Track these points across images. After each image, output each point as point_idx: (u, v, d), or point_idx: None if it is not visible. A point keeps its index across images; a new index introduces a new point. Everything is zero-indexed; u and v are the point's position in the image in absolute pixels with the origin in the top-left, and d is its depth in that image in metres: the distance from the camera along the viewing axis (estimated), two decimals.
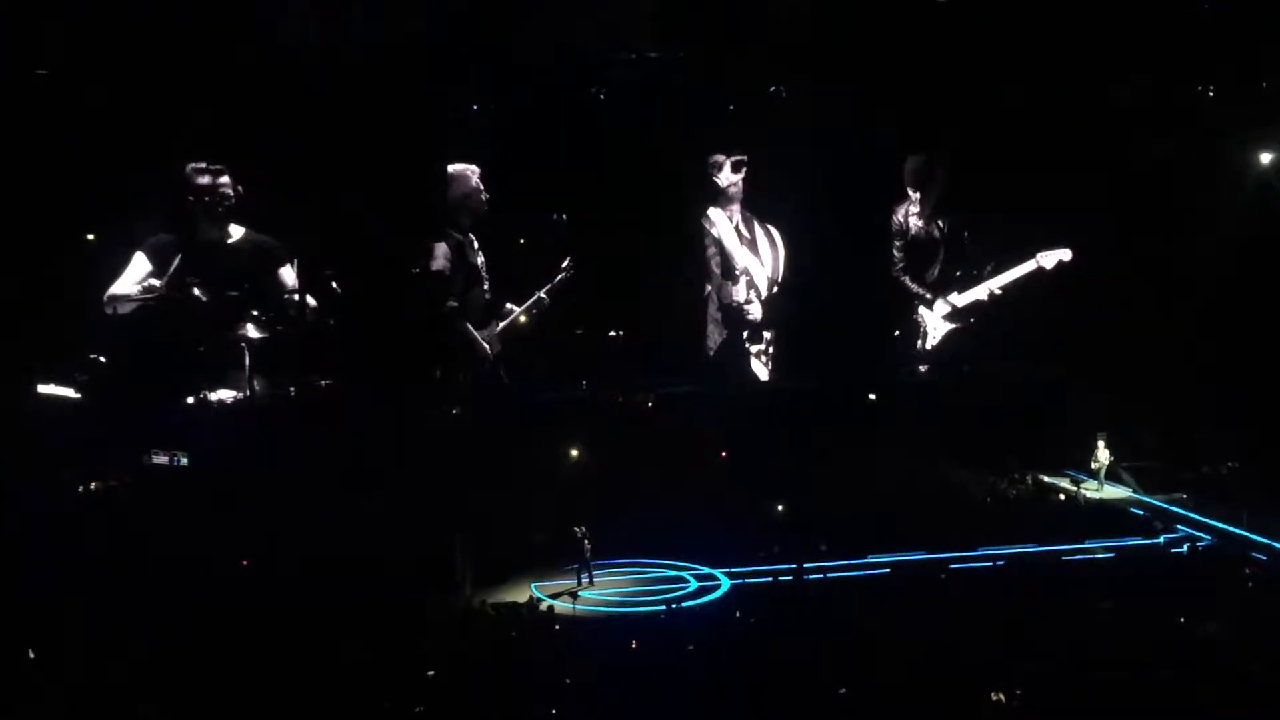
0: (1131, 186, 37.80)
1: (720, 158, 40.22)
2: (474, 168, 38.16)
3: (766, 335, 41.01)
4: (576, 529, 29.26)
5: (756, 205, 40.73)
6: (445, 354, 38.47)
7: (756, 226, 40.88)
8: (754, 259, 40.85)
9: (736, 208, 40.73)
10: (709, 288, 40.90)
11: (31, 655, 22.78)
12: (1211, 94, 38.05)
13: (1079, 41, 36.74)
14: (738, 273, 40.76)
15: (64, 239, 35.32)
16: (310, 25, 36.36)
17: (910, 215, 41.54)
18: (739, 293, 40.78)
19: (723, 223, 40.69)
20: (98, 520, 31.37)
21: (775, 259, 40.96)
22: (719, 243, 40.70)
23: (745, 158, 40.16)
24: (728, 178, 40.37)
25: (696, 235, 40.67)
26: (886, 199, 41.28)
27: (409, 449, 34.58)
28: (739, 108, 39.64)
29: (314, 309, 37.05)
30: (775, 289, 40.88)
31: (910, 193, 41.38)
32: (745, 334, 40.96)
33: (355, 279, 37.57)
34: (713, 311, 40.96)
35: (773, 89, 39.80)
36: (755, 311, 40.90)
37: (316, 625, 24.67)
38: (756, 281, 40.86)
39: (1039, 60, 37.37)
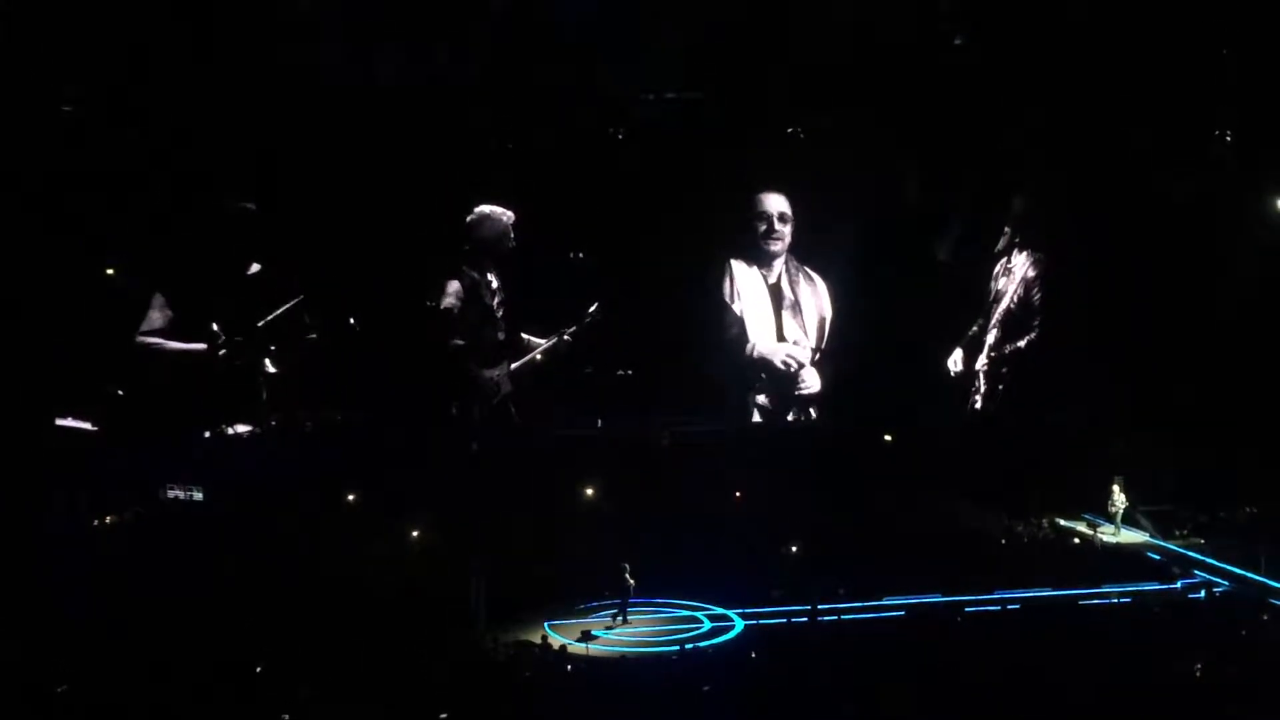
0: (1152, 230, 37.76)
1: (767, 210, 39.66)
2: (509, 213, 37.88)
3: (809, 398, 40.23)
4: (623, 565, 29.17)
5: (804, 253, 40.14)
6: (457, 391, 38.45)
7: (802, 282, 40.16)
8: (795, 323, 40.14)
9: (781, 261, 40.08)
10: (750, 349, 40.25)
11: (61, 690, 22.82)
12: (1229, 138, 38.08)
13: (1099, 84, 36.88)
14: (776, 341, 40.08)
15: (84, 272, 35.55)
16: (339, 66, 36.66)
17: (1010, 267, 40.65)
18: (779, 358, 40.06)
19: (755, 285, 40.06)
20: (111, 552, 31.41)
21: (820, 318, 40.17)
22: (752, 305, 40.04)
23: (789, 211, 39.63)
24: (773, 230, 39.70)
25: (722, 294, 40.14)
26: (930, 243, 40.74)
27: (424, 484, 34.60)
28: (771, 151, 39.48)
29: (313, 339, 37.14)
30: (819, 354, 40.16)
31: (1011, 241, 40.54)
32: (786, 403, 40.26)
33: (371, 314, 37.68)
34: (750, 377, 40.23)
35: (790, 130, 39.88)
36: (804, 380, 40.15)
37: (327, 662, 24.61)
38: (798, 350, 40.13)
39: (1059, 103, 37.55)
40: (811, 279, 40.45)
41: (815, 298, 40.46)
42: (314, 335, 36.97)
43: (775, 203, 39.89)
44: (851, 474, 36.91)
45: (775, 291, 40.29)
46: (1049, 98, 37.65)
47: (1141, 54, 36.33)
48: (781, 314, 40.28)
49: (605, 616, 29.19)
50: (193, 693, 22.55)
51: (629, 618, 29.17)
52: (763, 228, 39.83)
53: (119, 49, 34.70)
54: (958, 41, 38.71)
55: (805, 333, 40.35)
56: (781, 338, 40.23)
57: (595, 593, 29.73)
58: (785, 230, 39.89)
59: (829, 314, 40.42)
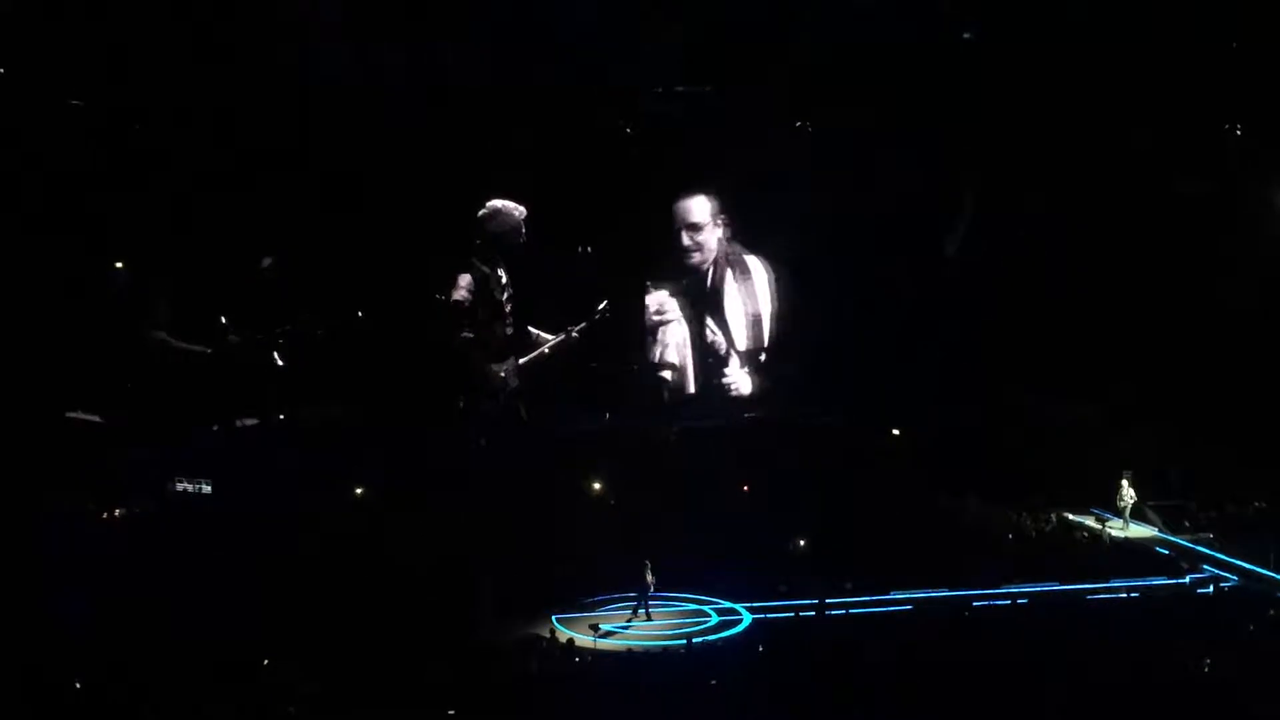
0: (1161, 226, 37.67)
1: (677, 221, 38.92)
2: (520, 208, 37.90)
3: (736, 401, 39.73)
4: (644, 562, 29.14)
5: (752, 243, 39.54)
6: (465, 386, 38.45)
7: (731, 280, 39.26)
8: (717, 324, 39.40)
9: (711, 266, 39.25)
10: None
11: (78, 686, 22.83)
12: (1239, 133, 37.97)
13: (1105, 80, 36.78)
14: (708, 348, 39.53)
15: (94, 266, 35.65)
16: (344, 64, 36.66)
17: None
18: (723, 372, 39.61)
19: (672, 309, 39.42)
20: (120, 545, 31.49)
21: (753, 315, 39.42)
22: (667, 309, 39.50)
23: (703, 220, 38.88)
24: (682, 243, 39.00)
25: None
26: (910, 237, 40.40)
27: (430, 479, 34.67)
28: (763, 145, 39.09)
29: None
30: (763, 355, 39.69)
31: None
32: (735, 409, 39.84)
33: (379, 309, 37.74)
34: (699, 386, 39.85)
35: (798, 124, 39.75)
36: (730, 383, 39.78)
37: (333, 657, 24.65)
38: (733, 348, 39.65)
39: (1065, 100, 37.42)
40: (747, 273, 39.63)
41: (749, 296, 39.69)
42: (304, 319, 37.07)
43: (688, 212, 39.17)
44: (854, 470, 36.84)
45: (697, 290, 39.50)
46: (1051, 95, 37.47)
47: (1146, 50, 36.24)
48: (704, 316, 39.60)
49: (611, 611, 29.17)
50: (197, 687, 22.61)
51: (640, 613, 29.17)
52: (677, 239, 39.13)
53: (123, 49, 34.70)
54: (966, 36, 38.57)
55: (730, 333, 39.69)
56: (704, 340, 39.59)
57: (603, 587, 29.66)
58: (698, 239, 39.08)
59: (768, 309, 39.70)
